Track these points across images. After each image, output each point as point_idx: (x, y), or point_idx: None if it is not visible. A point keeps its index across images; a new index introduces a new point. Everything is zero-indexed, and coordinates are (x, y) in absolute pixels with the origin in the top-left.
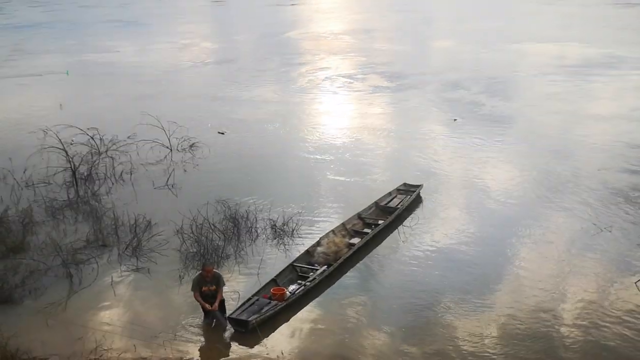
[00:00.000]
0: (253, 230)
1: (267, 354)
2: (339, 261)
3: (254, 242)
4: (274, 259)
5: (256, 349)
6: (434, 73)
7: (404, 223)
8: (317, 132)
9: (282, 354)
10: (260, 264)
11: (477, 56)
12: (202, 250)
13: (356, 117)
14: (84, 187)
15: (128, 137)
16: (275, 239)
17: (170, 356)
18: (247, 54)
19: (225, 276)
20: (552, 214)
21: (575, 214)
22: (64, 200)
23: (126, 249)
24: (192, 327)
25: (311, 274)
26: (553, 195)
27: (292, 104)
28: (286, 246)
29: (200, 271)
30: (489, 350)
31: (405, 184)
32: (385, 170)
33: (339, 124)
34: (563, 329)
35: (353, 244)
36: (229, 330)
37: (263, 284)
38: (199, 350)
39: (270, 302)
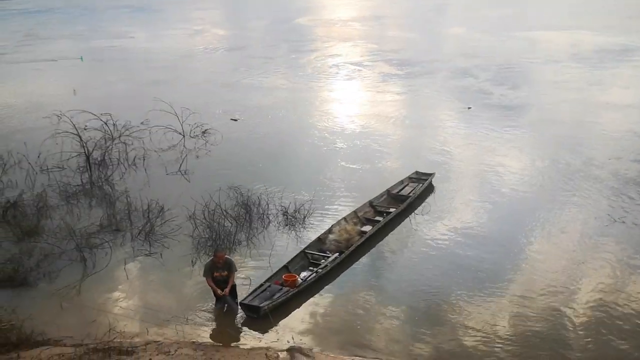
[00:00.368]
0: (265, 216)
1: (278, 339)
2: (350, 249)
3: (266, 228)
4: (285, 246)
5: (267, 334)
6: (444, 60)
7: (415, 211)
8: (329, 119)
9: (293, 339)
10: (272, 250)
11: (488, 44)
12: (214, 236)
13: (368, 104)
14: (97, 172)
15: (141, 123)
16: (286, 225)
17: (182, 340)
18: (258, 40)
19: (237, 262)
20: (564, 204)
21: (587, 204)
22: (77, 185)
23: (139, 233)
24: (203, 312)
25: (323, 261)
26: (566, 184)
27: (304, 91)
28: (297, 233)
29: (212, 257)
30: (500, 338)
31: (417, 172)
32: (397, 158)
33: (350, 111)
34: (575, 320)
35: (365, 232)
36: (240, 315)
37: (275, 270)
38: (211, 334)
39: (281, 289)
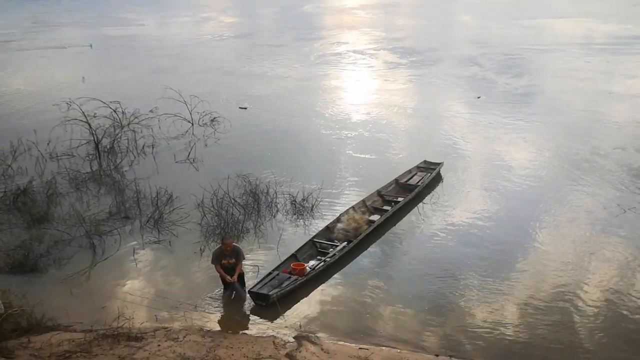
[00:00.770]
0: (273, 205)
1: (285, 327)
2: (358, 238)
3: (274, 217)
4: (293, 234)
5: (275, 322)
6: (452, 49)
7: (423, 201)
8: (337, 108)
9: (301, 327)
10: (280, 238)
11: (496, 32)
12: (222, 224)
13: (376, 92)
14: (106, 159)
15: (150, 111)
16: (295, 214)
17: (191, 326)
18: (265, 27)
19: (245, 250)
20: (573, 194)
21: (597, 194)
22: (87, 173)
23: (148, 221)
24: (211, 299)
25: (331, 250)
26: (575, 174)
27: (311, 80)
28: (306, 222)
29: (219, 245)
30: (508, 329)
31: (425, 162)
32: (406, 147)
33: (358, 99)
34: (585, 312)
35: (373, 221)
36: (249, 303)
37: (283, 258)
38: (219, 321)
39: (290, 277)
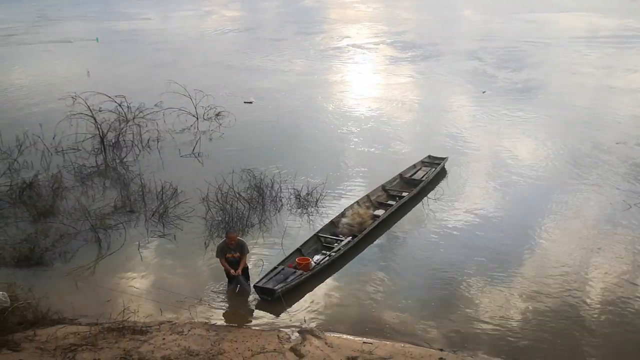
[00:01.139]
0: (278, 199)
1: (290, 321)
2: (363, 232)
3: (279, 211)
4: (298, 229)
5: (280, 316)
6: (456, 43)
7: (428, 195)
8: (341, 102)
9: (305, 321)
10: (285, 233)
11: (497, 26)
12: (227, 219)
13: (380, 87)
14: (111, 154)
15: (155, 105)
16: (299, 208)
17: (195, 320)
18: (268, 21)
19: (250, 245)
20: (579, 189)
21: (602, 189)
22: (92, 167)
23: (153, 215)
24: (216, 293)
25: (336, 244)
26: (580, 169)
27: (315, 74)
28: (310, 216)
29: (224, 238)
30: (512, 323)
31: (430, 156)
32: (410, 142)
33: (362, 94)
34: (590, 307)
35: (377, 216)
36: (253, 297)
37: (287, 253)
38: (224, 315)
39: (295, 272)
